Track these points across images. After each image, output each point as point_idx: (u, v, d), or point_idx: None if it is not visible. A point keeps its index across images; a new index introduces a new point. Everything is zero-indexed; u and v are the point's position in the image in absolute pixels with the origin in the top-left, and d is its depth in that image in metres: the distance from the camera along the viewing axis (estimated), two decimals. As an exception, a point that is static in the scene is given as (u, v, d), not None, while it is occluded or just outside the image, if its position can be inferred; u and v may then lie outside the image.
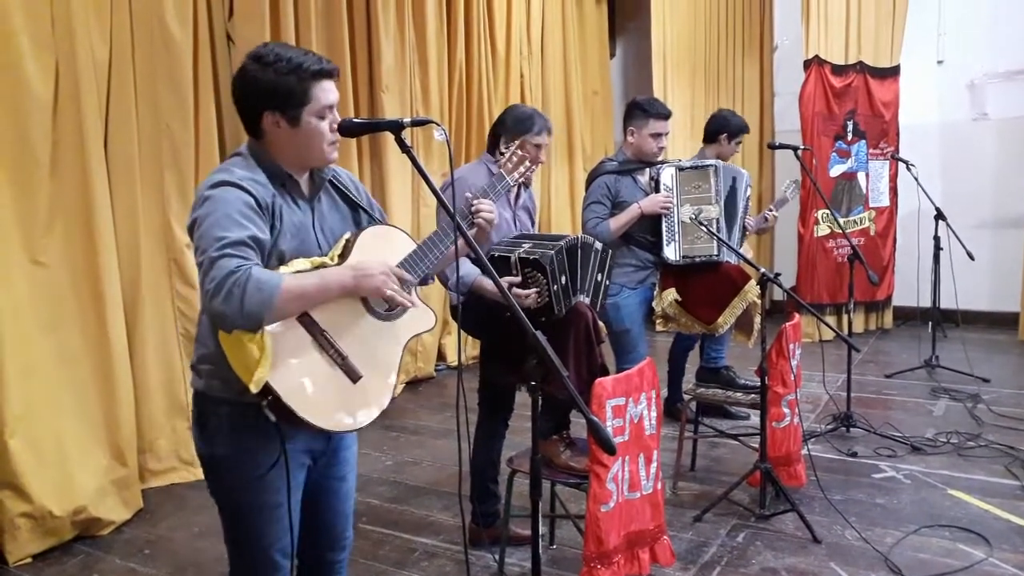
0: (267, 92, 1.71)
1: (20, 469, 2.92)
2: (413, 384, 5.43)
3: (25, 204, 3.02)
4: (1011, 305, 6.47)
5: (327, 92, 1.73)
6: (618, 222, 3.61)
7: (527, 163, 2.29)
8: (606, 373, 2.65)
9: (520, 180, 2.32)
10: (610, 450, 1.52)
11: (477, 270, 2.70)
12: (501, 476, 2.99)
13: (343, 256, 1.76)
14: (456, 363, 5.56)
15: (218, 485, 1.79)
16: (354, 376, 1.72)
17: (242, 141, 4.38)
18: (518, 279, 2.61)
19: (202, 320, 1.74)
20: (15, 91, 2.97)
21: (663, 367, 4.44)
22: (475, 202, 2.18)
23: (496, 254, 2.68)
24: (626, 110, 3.79)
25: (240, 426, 1.70)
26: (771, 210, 4.35)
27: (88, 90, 3.20)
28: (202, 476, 1.83)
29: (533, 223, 3.15)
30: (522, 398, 2.88)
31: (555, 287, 2.59)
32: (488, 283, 2.67)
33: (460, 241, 1.82)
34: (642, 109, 3.67)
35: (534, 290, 2.60)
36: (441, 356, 5.80)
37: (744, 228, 4.02)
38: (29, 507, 2.95)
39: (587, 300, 2.75)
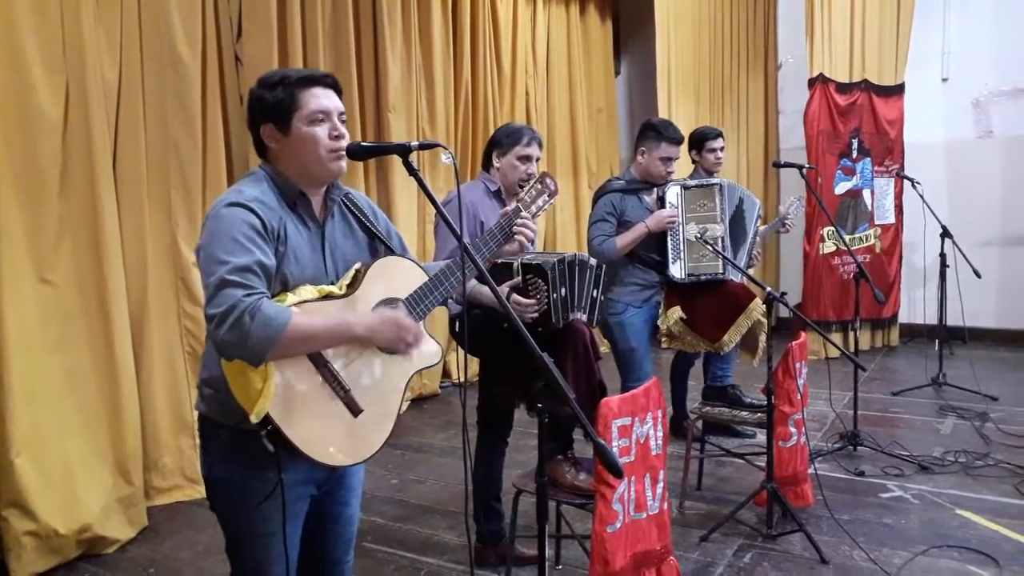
0: (261, 106, 1.75)
1: (26, 487, 2.93)
2: (418, 401, 5.42)
3: (34, 223, 3.05)
4: (1018, 322, 6.46)
5: (317, 98, 1.73)
6: (624, 240, 3.62)
7: (545, 196, 2.31)
8: (604, 390, 2.65)
9: (538, 213, 2.33)
10: (618, 474, 1.50)
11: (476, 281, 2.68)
12: (504, 494, 2.98)
13: (352, 287, 1.73)
14: (460, 380, 5.55)
15: (217, 506, 1.79)
16: (355, 410, 1.69)
17: (248, 160, 4.40)
18: (519, 281, 2.61)
19: (208, 342, 1.71)
20: (25, 112, 3.01)
21: (668, 385, 4.43)
22: (519, 221, 2.18)
23: (498, 261, 2.64)
24: (640, 130, 3.78)
25: (238, 453, 1.67)
26: (786, 222, 4.41)
27: (97, 111, 3.23)
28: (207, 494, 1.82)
29: (532, 243, 3.15)
30: (521, 415, 2.89)
31: (555, 295, 2.59)
32: (486, 291, 2.58)
33: (468, 264, 1.81)
34: (656, 131, 3.66)
35: (534, 301, 2.59)
36: (446, 373, 5.80)
37: (752, 255, 3.99)
38: (34, 525, 2.95)
39: (584, 317, 2.75)
